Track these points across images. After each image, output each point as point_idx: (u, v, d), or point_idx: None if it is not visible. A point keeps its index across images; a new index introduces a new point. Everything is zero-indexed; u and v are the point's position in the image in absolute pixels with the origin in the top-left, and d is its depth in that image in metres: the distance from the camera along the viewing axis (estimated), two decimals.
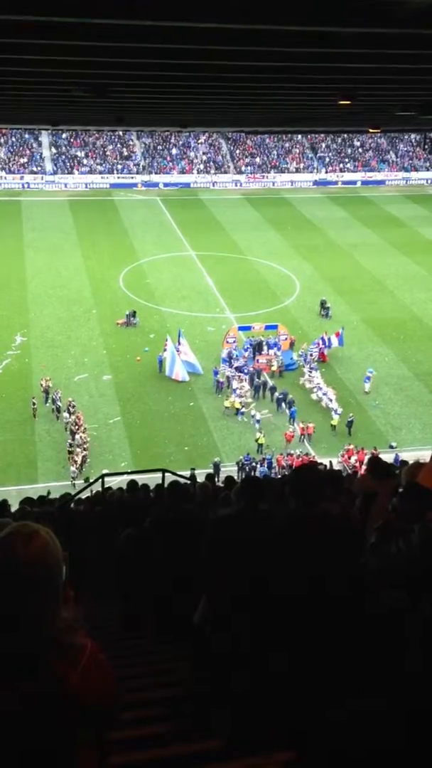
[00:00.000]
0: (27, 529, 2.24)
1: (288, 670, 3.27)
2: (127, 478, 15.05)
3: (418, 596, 2.40)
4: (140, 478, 13.52)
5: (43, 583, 2.18)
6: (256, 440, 29.47)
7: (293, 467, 22.66)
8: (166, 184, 68.07)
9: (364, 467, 13.23)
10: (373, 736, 3.01)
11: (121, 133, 68.91)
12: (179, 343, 34.19)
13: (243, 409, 31.64)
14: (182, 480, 11.57)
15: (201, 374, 34.03)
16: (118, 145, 71.14)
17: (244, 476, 23.94)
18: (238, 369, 34.09)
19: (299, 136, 72.20)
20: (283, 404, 32.02)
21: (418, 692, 2.57)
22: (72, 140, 70.00)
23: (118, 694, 2.36)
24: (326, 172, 72.50)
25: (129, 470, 22.60)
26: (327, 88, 11.22)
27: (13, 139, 68.88)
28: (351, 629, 3.01)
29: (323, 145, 74.73)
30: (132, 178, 68.34)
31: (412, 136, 73.17)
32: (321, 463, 16.60)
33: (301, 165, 72.99)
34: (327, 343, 36.01)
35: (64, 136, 69.07)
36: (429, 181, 72.44)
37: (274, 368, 34.64)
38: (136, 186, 67.37)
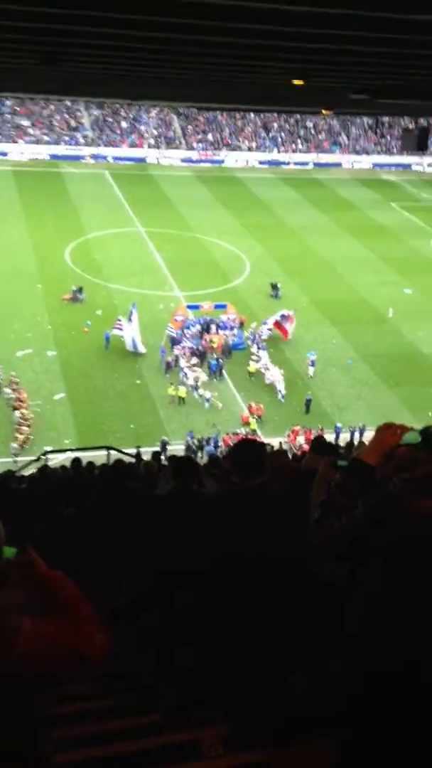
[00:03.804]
0: None
1: (227, 644, 3.30)
2: (71, 455, 14.91)
3: (359, 570, 2.45)
4: (85, 456, 13.41)
5: None
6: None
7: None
8: (115, 158, 66.96)
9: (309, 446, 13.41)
10: (299, 711, 3.08)
11: (69, 103, 67.38)
12: (131, 316, 33.85)
13: (198, 385, 31.64)
14: (128, 458, 11.53)
15: (143, 353, 33.87)
16: (66, 116, 69.58)
17: (180, 456, 23.99)
18: (187, 348, 34.03)
19: (252, 115, 71.88)
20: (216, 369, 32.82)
21: (355, 663, 2.63)
22: (17, 108, 68.12)
23: (68, 667, 2.35)
24: (278, 152, 72.42)
25: (73, 447, 22.41)
26: (281, 67, 11.19)
27: None
28: (292, 603, 3.06)
29: (276, 125, 74.57)
30: (80, 150, 66.99)
31: (365, 119, 73.63)
32: (265, 443, 16.76)
33: (254, 144, 72.74)
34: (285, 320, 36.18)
35: (8, 103, 67.14)
36: (380, 166, 73.09)
37: (215, 345, 34.66)
38: (84, 159, 66.09)
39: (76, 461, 11.46)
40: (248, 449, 3.64)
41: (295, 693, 2.92)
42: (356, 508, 2.55)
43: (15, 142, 65.96)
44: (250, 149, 72.14)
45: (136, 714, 3.95)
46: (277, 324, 35.97)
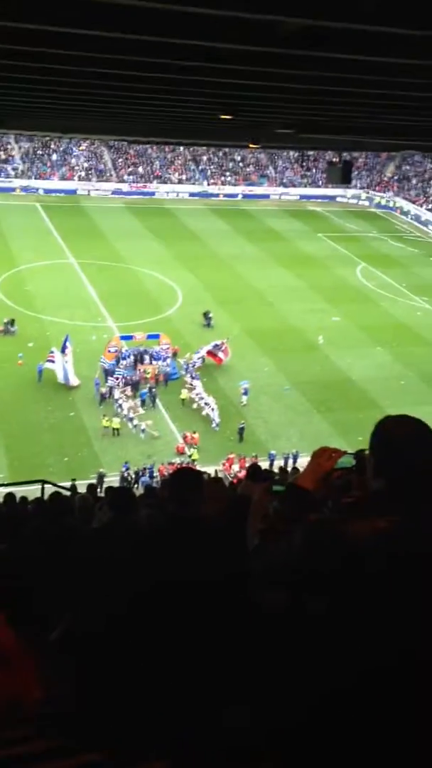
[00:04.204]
0: None
1: (167, 678, 3.27)
2: (2, 490, 14.55)
3: (300, 595, 2.47)
4: (18, 491, 13.11)
5: None
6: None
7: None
8: (46, 191, 66.70)
9: (244, 474, 13.45)
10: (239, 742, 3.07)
11: None
12: (64, 348, 33.45)
13: (131, 414, 31.41)
14: (63, 492, 11.33)
15: (76, 386, 33.51)
16: None
17: (117, 487, 23.73)
18: (121, 379, 33.85)
19: (181, 148, 72.91)
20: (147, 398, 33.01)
21: (299, 692, 2.64)
22: None
23: (15, 707, 2.27)
24: (208, 184, 73.55)
25: (6, 482, 21.86)
26: (209, 102, 11.41)
27: None
28: (232, 631, 3.05)
29: (205, 158, 75.79)
30: (10, 182, 66.50)
31: (291, 153, 75.61)
32: (202, 472, 16.74)
33: (184, 176, 73.69)
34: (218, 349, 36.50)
35: None
36: (306, 197, 75.01)
37: (149, 375, 34.60)
38: (14, 191, 65.60)
39: (9, 496, 11.20)
40: (185, 478, 3.65)
41: (235, 725, 2.91)
42: (294, 532, 2.58)
43: None
44: (180, 181, 73.06)
45: (72, 755, 3.85)
46: (210, 353, 36.25)
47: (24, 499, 11.95)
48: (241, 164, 76.78)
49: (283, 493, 2.99)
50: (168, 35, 6.22)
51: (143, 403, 32.90)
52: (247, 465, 25.29)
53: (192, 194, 71.52)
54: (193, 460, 28.68)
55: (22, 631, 2.46)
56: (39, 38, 6.24)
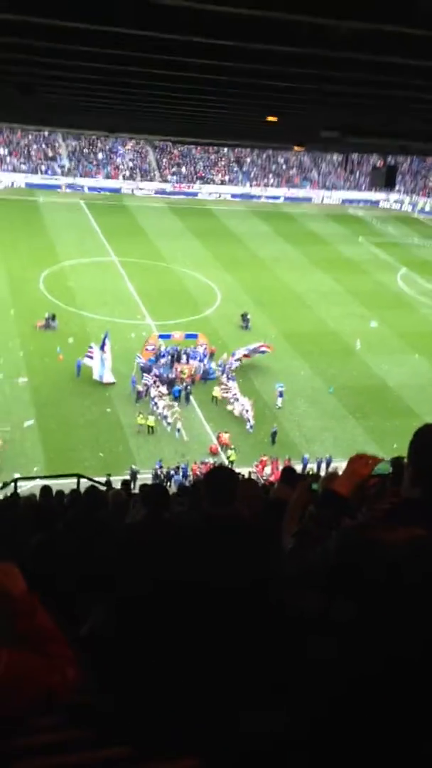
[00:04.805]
0: None
1: (196, 675, 3.29)
2: (40, 483, 14.76)
3: (331, 601, 2.47)
4: (54, 484, 13.28)
5: None
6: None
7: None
8: (90, 188, 67.39)
9: (279, 477, 13.44)
10: (276, 745, 3.07)
11: (46, 133, 67.87)
12: (104, 345, 33.79)
13: (167, 413, 31.57)
14: (99, 486, 11.44)
15: (112, 383, 33.79)
16: (44, 146, 70.01)
17: (151, 484, 23.88)
18: (157, 377, 34.05)
19: (225, 149, 73.05)
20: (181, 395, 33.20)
21: (326, 699, 2.64)
22: None
23: (39, 701, 2.32)
24: (250, 186, 73.53)
25: (42, 475, 22.16)
26: (255, 104, 11.43)
27: None
28: (262, 634, 3.06)
29: (248, 159, 75.79)
30: (56, 179, 67.34)
31: (335, 156, 75.21)
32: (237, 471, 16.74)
33: (226, 177, 73.79)
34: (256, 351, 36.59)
35: None
36: (349, 201, 74.52)
37: (185, 375, 34.70)
38: (60, 188, 66.41)
39: (46, 489, 11.34)
40: (221, 476, 3.66)
41: (268, 729, 2.92)
42: (329, 538, 2.58)
43: None
44: (222, 182, 73.16)
45: (101, 747, 3.89)
46: (246, 356, 36.26)
47: (60, 492, 12.10)
48: (284, 167, 76.61)
49: (320, 498, 2.99)
50: (218, 37, 6.26)
51: (176, 399, 33.06)
52: (279, 468, 25.25)
53: (234, 195, 71.59)
54: (231, 461, 28.68)
55: (57, 621, 2.50)
56: (92, 38, 6.33)
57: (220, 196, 70.94)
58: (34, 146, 69.57)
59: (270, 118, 12.81)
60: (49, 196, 63.55)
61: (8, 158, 67.80)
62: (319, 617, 2.51)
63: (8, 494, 13.35)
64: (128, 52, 7.00)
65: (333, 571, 2.42)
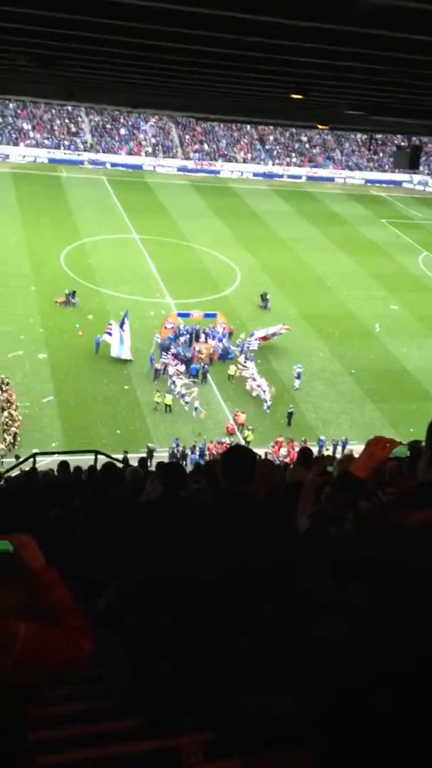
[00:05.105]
0: None
1: (209, 652, 3.32)
2: (57, 458, 14.90)
3: (347, 583, 2.48)
4: (72, 459, 13.39)
5: None
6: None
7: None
8: (113, 164, 67.12)
9: (294, 458, 13.45)
10: (284, 724, 3.10)
11: (70, 108, 67.59)
12: (123, 323, 33.90)
13: (184, 391, 31.64)
14: (116, 463, 11.52)
15: (129, 360, 33.89)
16: (66, 121, 69.73)
17: (168, 462, 24.01)
18: (175, 356, 34.09)
19: (248, 127, 72.32)
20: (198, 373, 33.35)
21: (335, 679, 2.66)
22: (19, 111, 68.20)
23: (55, 673, 2.36)
24: (273, 164, 72.84)
25: (60, 450, 22.35)
26: (281, 81, 11.29)
27: None
28: (274, 614, 3.08)
29: (271, 137, 75.03)
30: (79, 155, 67.12)
31: (358, 135, 74.23)
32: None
33: (249, 156, 73.13)
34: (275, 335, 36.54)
35: (11, 106, 67.23)
36: (371, 182, 73.65)
37: (203, 356, 34.69)
38: (83, 163, 66.21)
39: (64, 464, 11.44)
40: (238, 455, 3.67)
41: (279, 707, 2.95)
42: (346, 521, 2.58)
43: (16, 144, 65.97)
44: (245, 161, 72.52)
45: (114, 719, 3.96)
46: (265, 338, 36.17)
47: (78, 468, 12.20)
48: (307, 145, 75.76)
49: (336, 479, 2.99)
50: (244, 11, 6.17)
51: (193, 378, 33.11)
52: (295, 449, 25.26)
53: (256, 174, 70.97)
54: (248, 441, 28.74)
55: (73, 595, 2.54)
56: (119, 12, 6.27)
57: (242, 175, 70.36)
58: (57, 121, 69.32)
59: (295, 96, 12.65)
60: (72, 172, 63.40)
61: (31, 133, 67.64)
62: (332, 600, 2.52)
63: (27, 469, 13.50)
64: (156, 26, 6.93)
65: (349, 554, 2.42)
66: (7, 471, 14.49)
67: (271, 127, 71.40)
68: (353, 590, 2.37)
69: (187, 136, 72.58)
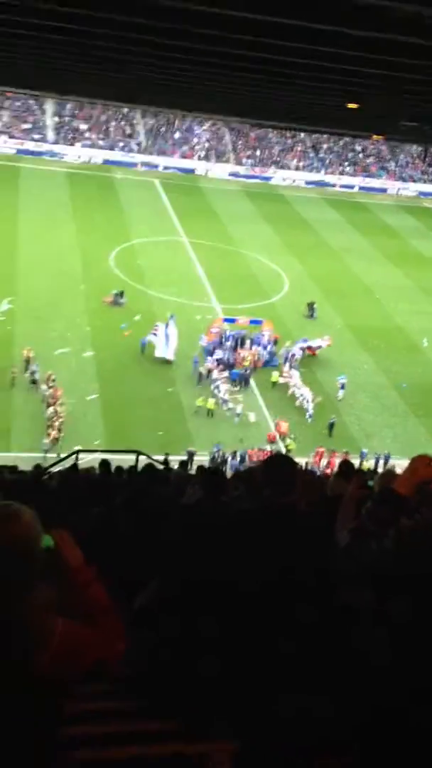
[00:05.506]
0: (9, 511, 2.21)
1: (244, 659, 3.32)
2: (99, 456, 15.04)
3: (385, 599, 2.47)
4: (113, 458, 13.51)
5: (17, 566, 2.14)
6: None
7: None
8: (165, 167, 67.63)
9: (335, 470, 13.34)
10: (317, 733, 3.08)
11: (126, 110, 68.31)
12: (168, 325, 34.20)
13: (227, 397, 31.66)
14: (156, 464, 11.59)
15: (172, 361, 34.03)
16: (122, 123, 70.52)
17: (210, 467, 24.04)
18: (219, 361, 34.16)
19: (302, 134, 72.10)
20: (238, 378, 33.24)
21: (370, 692, 2.64)
22: (76, 112, 69.23)
23: (88, 671, 2.38)
24: (325, 173, 72.48)
25: (103, 448, 22.56)
26: (337, 89, 11.27)
27: (17, 104, 67.88)
28: (314, 623, 3.08)
29: (325, 146, 74.69)
30: (132, 157, 67.79)
31: (413, 147, 73.40)
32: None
33: (302, 163, 72.92)
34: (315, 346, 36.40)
35: (68, 106, 68.27)
36: (425, 194, 72.74)
37: (246, 363, 34.64)
38: (136, 166, 66.86)
39: (105, 463, 11.54)
40: (280, 464, 3.67)
41: (317, 716, 2.93)
42: (386, 537, 2.57)
43: (72, 144, 66.97)
44: (297, 168, 72.31)
45: (142, 720, 3.98)
46: (310, 349, 36.02)
47: (119, 468, 12.29)
48: (361, 155, 75.21)
49: (378, 495, 2.98)
50: (307, 19, 6.19)
51: (233, 382, 33.11)
52: (336, 461, 25.05)
53: (308, 182, 70.70)
54: (289, 450, 28.63)
55: (110, 593, 2.57)
56: (178, 16, 6.35)
57: (294, 182, 70.17)
58: (113, 123, 70.14)
59: (351, 105, 12.61)
60: (126, 173, 64.09)
61: (87, 133, 68.57)
62: (372, 614, 2.51)
63: (68, 465, 13.66)
64: (212, 31, 7.00)
65: (389, 571, 2.41)
66: (50, 466, 14.69)
67: (325, 136, 71.04)
68: (393, 606, 2.36)
69: (240, 142, 72.73)
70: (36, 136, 66.37)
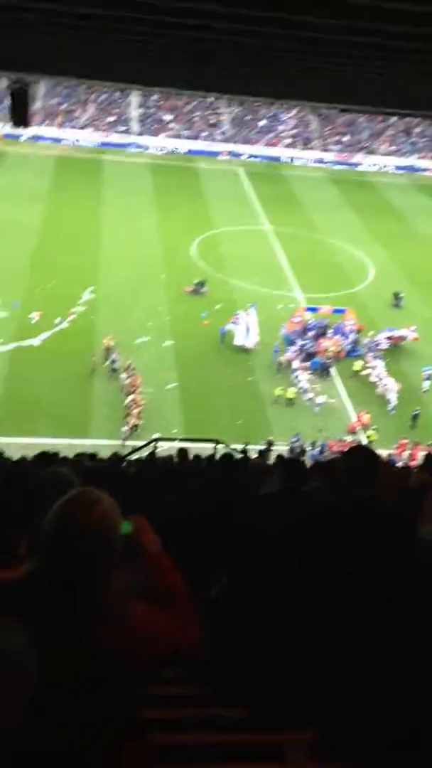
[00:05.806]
0: (89, 497, 2.25)
1: (321, 650, 3.27)
2: (177, 444, 15.19)
3: None
4: (192, 447, 13.61)
5: (97, 552, 2.19)
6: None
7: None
8: (250, 156, 67.38)
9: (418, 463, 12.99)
10: (388, 728, 3.01)
11: (211, 100, 68.35)
12: (249, 314, 34.20)
13: (307, 386, 31.43)
14: (235, 454, 11.60)
15: (251, 349, 33.97)
16: (207, 112, 70.64)
17: (289, 458, 23.89)
18: (301, 349, 33.87)
19: (393, 118, 70.28)
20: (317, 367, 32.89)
21: None
22: (161, 102, 69.80)
23: (163, 655, 2.40)
24: (417, 158, 70.45)
25: (181, 437, 22.79)
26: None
27: (103, 97, 69.00)
28: (395, 618, 2.99)
29: (417, 129, 72.54)
30: (216, 146, 67.86)
31: None
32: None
33: (392, 148, 71.13)
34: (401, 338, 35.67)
35: (153, 97, 68.88)
36: None
37: (329, 353, 34.19)
38: (221, 154, 66.90)
39: (183, 451, 11.64)
40: (362, 456, 3.59)
41: (392, 711, 2.87)
42: None
43: (156, 135, 67.63)
44: (387, 153, 70.60)
45: (220, 707, 3.98)
46: (395, 338, 35.25)
47: (197, 456, 12.37)
48: None
49: None
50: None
51: (314, 371, 32.79)
52: (420, 453, 24.46)
53: (398, 167, 68.94)
54: (370, 441, 28.17)
55: (185, 580, 2.57)
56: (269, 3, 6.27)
57: (383, 167, 68.56)
58: (198, 112, 70.33)
59: None
60: (209, 163, 64.21)
61: (171, 124, 69.04)
62: None
63: (146, 454, 13.85)
64: (304, 17, 6.88)
65: None
66: (128, 454, 14.94)
67: (419, 119, 68.99)
68: None
69: (328, 128, 71.60)
70: (120, 128, 67.30)
